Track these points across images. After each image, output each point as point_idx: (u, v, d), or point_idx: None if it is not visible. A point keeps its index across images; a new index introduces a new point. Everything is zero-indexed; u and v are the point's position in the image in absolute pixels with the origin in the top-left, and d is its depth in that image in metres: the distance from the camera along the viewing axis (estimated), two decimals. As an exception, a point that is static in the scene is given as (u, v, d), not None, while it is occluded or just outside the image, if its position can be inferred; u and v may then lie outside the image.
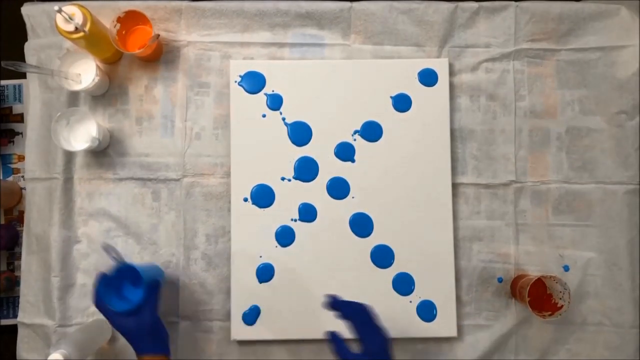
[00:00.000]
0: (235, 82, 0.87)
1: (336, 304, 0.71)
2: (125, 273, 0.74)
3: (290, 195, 0.86)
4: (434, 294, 0.85)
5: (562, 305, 0.78)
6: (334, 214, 0.86)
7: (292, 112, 0.87)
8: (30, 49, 0.88)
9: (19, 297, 0.87)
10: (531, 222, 0.87)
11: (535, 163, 0.88)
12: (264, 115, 0.87)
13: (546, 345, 0.85)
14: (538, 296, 0.82)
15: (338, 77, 0.87)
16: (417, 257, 0.85)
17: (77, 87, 0.81)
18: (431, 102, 0.87)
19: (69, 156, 0.87)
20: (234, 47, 0.89)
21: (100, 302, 0.71)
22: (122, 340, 0.85)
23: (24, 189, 0.92)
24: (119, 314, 0.70)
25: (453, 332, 0.84)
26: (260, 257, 0.85)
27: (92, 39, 0.79)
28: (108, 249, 0.73)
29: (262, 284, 0.85)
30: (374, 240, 0.86)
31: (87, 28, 0.76)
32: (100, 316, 0.84)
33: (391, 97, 0.87)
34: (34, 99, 0.88)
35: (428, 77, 0.87)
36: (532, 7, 0.88)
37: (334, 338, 0.70)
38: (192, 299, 0.86)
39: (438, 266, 0.85)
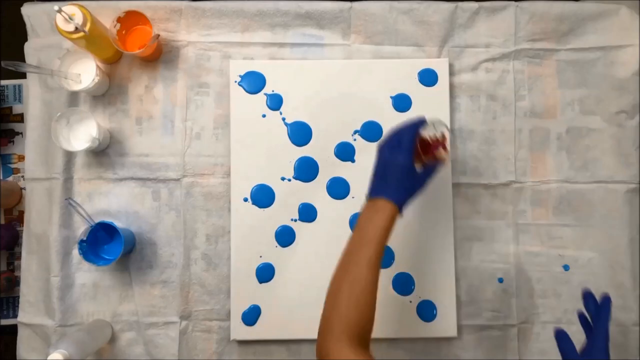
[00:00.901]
0: (235, 82, 0.87)
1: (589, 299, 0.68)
2: (98, 233, 0.83)
3: (290, 195, 0.86)
4: (434, 294, 0.85)
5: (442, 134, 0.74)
6: (334, 214, 0.86)
7: (292, 112, 0.87)
8: (30, 49, 0.88)
9: (19, 297, 0.87)
10: (531, 222, 0.87)
11: (535, 163, 0.88)
12: (264, 115, 0.87)
13: (547, 345, 0.85)
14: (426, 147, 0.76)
15: (338, 77, 0.87)
16: (417, 257, 0.85)
17: (77, 87, 0.81)
18: (431, 102, 0.87)
19: (69, 156, 0.87)
20: (234, 47, 0.89)
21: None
22: (122, 340, 0.86)
23: (24, 189, 0.92)
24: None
25: (453, 332, 0.84)
26: (260, 257, 0.85)
27: (92, 39, 0.79)
28: (73, 204, 0.80)
29: (262, 284, 0.85)
30: (374, 240, 0.85)
31: (87, 28, 0.76)
32: (100, 316, 0.85)
33: (391, 97, 0.87)
34: (34, 99, 0.88)
35: (428, 77, 0.87)
36: (532, 7, 0.88)
37: (560, 336, 0.66)
38: (192, 299, 0.86)
39: (438, 266, 0.85)
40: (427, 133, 0.74)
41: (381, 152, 0.71)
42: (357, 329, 0.61)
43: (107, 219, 0.85)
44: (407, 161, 0.69)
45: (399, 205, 0.67)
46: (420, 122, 0.72)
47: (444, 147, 0.74)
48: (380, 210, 0.67)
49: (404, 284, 0.85)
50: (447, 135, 0.74)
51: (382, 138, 0.73)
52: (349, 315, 0.61)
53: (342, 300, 0.62)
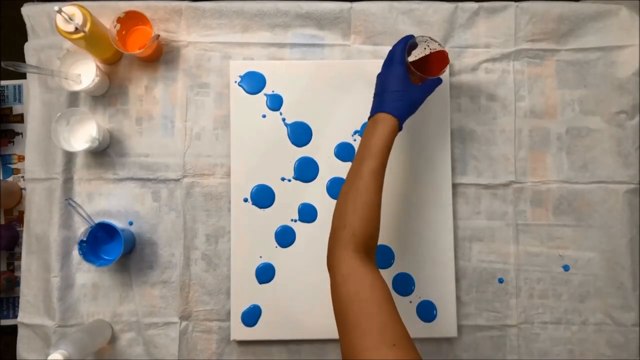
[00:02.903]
0: (235, 82, 0.87)
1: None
2: (98, 233, 0.83)
3: (290, 196, 0.86)
4: (434, 294, 0.85)
5: (435, 49, 0.76)
6: (334, 214, 0.86)
7: (292, 112, 0.87)
8: (30, 49, 0.88)
9: (19, 297, 0.87)
10: (531, 222, 0.87)
11: (535, 163, 0.88)
12: (264, 116, 0.87)
13: (547, 345, 0.85)
14: (421, 65, 0.77)
15: (338, 77, 0.87)
16: (417, 257, 0.85)
17: (77, 88, 0.81)
18: (431, 102, 0.87)
19: (69, 156, 0.87)
20: (234, 48, 0.89)
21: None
22: (122, 340, 0.86)
23: (24, 189, 0.92)
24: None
25: (453, 332, 0.84)
26: (260, 257, 0.85)
27: (92, 40, 0.79)
28: (73, 204, 0.81)
29: (262, 284, 0.85)
30: (374, 240, 0.86)
31: (87, 28, 0.76)
32: (100, 316, 0.85)
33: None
34: (34, 99, 0.88)
35: (428, 77, 0.87)
36: (532, 7, 0.88)
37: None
38: (192, 299, 0.86)
39: (438, 266, 0.85)
40: (420, 52, 0.77)
41: (379, 74, 0.75)
42: (363, 238, 0.64)
43: (107, 219, 0.85)
44: (401, 71, 0.72)
45: (398, 117, 0.70)
46: (408, 37, 0.74)
47: (445, 60, 0.75)
48: (380, 123, 0.70)
49: (404, 284, 0.85)
50: (442, 48, 0.75)
51: None
52: (355, 226, 0.64)
53: (348, 212, 0.65)
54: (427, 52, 0.77)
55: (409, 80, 0.72)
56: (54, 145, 0.84)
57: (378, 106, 0.72)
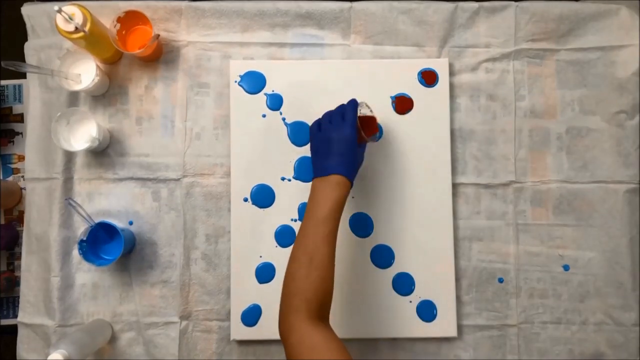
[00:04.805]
0: (235, 82, 0.87)
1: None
2: (98, 233, 0.83)
3: (290, 195, 0.86)
4: (434, 294, 0.85)
5: (365, 115, 0.78)
6: (334, 214, 0.86)
7: (292, 112, 0.87)
8: (30, 49, 0.88)
9: (19, 297, 0.87)
10: (531, 222, 0.87)
11: (535, 163, 0.88)
12: (264, 115, 0.87)
13: (547, 345, 0.85)
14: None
15: (338, 77, 0.87)
16: (417, 257, 0.85)
17: (77, 87, 0.81)
18: (431, 102, 0.87)
19: (69, 156, 0.87)
20: (234, 47, 0.89)
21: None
22: (122, 340, 0.86)
23: (24, 189, 0.92)
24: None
25: (453, 332, 0.84)
26: (260, 257, 0.85)
27: (92, 39, 0.79)
28: (73, 204, 0.82)
29: (262, 284, 0.85)
30: (374, 240, 0.86)
31: (87, 28, 0.76)
32: (100, 316, 0.85)
33: (391, 97, 0.87)
34: (34, 99, 0.88)
35: (428, 77, 0.87)
36: (532, 7, 0.88)
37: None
38: (192, 298, 0.86)
39: (438, 266, 0.85)
40: (362, 112, 0.78)
41: (324, 130, 0.74)
42: (316, 303, 0.64)
43: (107, 219, 0.85)
44: (354, 135, 0.72)
45: (352, 179, 0.71)
46: (356, 102, 0.76)
47: (375, 126, 0.79)
48: (337, 187, 0.69)
49: (404, 284, 0.85)
50: (372, 114, 0.79)
51: (318, 119, 0.77)
52: (307, 292, 0.64)
53: (301, 278, 0.65)
54: (367, 114, 0.79)
55: (356, 143, 0.73)
56: (54, 145, 0.84)
57: (332, 168, 0.70)
